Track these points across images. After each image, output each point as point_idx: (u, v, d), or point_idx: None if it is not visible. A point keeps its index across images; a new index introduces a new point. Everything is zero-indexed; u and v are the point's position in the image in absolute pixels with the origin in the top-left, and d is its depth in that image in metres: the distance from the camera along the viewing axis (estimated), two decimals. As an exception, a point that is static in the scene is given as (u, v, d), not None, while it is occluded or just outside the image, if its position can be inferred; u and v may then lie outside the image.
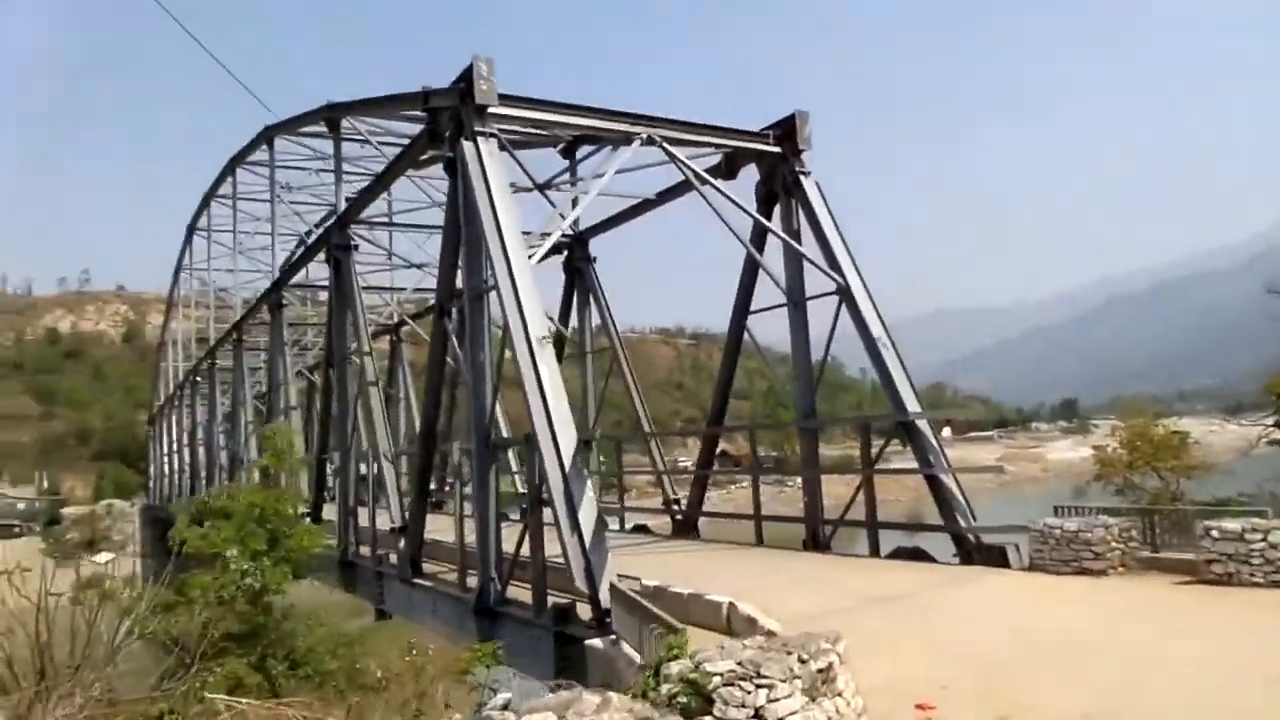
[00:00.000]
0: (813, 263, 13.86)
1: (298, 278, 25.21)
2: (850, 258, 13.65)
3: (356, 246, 18.89)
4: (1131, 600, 8.80)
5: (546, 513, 9.96)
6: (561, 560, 9.57)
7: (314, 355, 38.46)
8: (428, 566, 14.18)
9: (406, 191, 23.09)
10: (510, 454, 16.82)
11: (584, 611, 9.26)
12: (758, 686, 4.34)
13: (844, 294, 13.47)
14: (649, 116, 13.49)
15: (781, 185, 14.42)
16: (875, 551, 12.65)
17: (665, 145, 13.40)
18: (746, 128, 14.48)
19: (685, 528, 16.50)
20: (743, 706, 4.28)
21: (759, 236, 14.76)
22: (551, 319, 20.19)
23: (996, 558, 11.18)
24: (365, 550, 16.74)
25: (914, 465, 12.74)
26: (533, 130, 15.28)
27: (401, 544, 14.55)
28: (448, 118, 12.51)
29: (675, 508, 17.47)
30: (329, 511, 19.90)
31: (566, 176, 17.55)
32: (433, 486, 22.66)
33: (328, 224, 21.10)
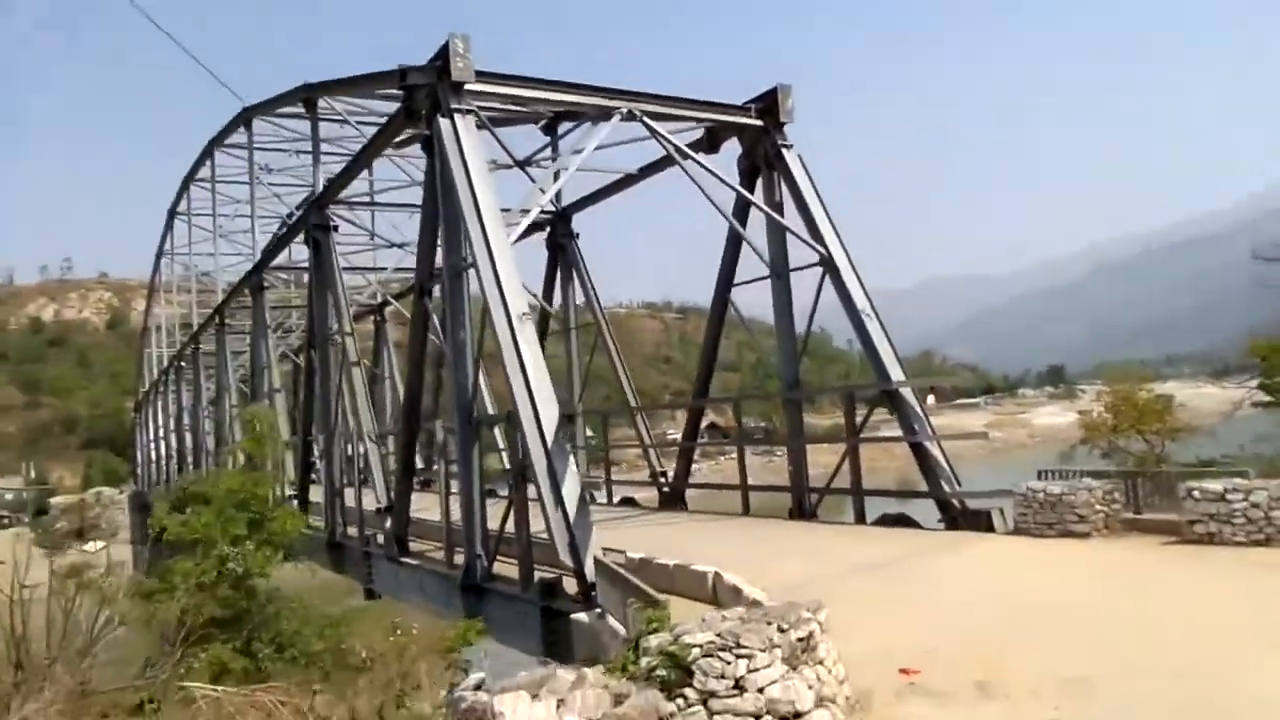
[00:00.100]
0: (795, 234, 13.81)
1: (280, 260, 24.95)
2: (833, 229, 13.60)
3: (336, 227, 18.67)
4: (1115, 562, 8.87)
5: (532, 488, 9.95)
6: (547, 535, 9.58)
7: (298, 337, 38.18)
8: (415, 545, 14.18)
9: (389, 171, 22.91)
10: (497, 430, 16.80)
11: (570, 586, 9.28)
12: (737, 657, 4.34)
13: (827, 265, 13.43)
14: (629, 91, 13.35)
15: (763, 158, 14.33)
16: (861, 519, 12.73)
17: (646, 120, 13.27)
18: (729, 101, 14.36)
19: (672, 500, 16.56)
20: (722, 677, 4.28)
21: (742, 210, 14.69)
22: (535, 296, 20.17)
23: (981, 523, 11.26)
24: (353, 531, 16.73)
25: (900, 434, 12.78)
26: (512, 107, 15.08)
27: (388, 524, 14.53)
28: (424, 95, 12.32)
29: (662, 480, 17.51)
30: (315, 493, 19.86)
31: (548, 153, 17.39)
32: (420, 465, 22.72)
33: (307, 205, 20.87)
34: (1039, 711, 4.93)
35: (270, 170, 27.95)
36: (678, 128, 14.10)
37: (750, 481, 15.12)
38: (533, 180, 15.40)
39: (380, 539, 15.03)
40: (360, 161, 16.87)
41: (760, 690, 4.27)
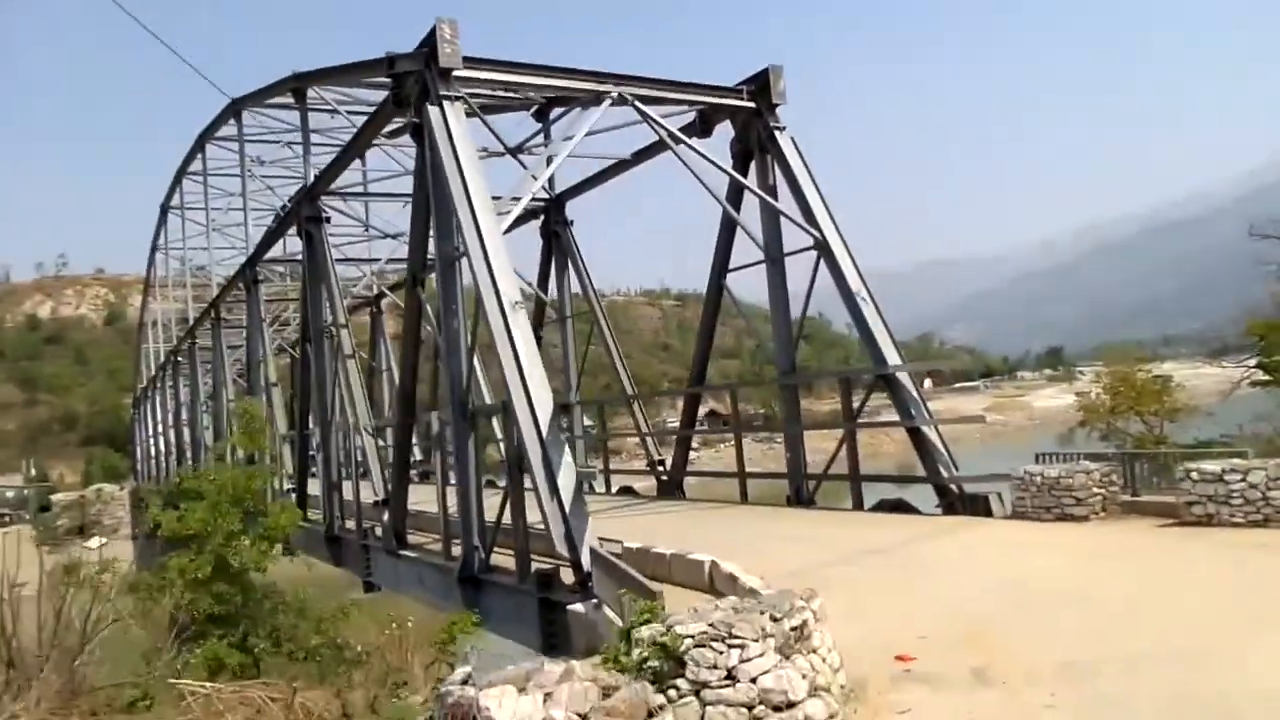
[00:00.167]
0: (789, 218, 13.71)
1: (275, 252, 24.80)
2: (827, 212, 13.49)
3: (328, 218, 18.55)
4: (1112, 545, 8.83)
5: (529, 479, 9.89)
6: (543, 526, 9.53)
7: (295, 330, 38.08)
8: (414, 538, 14.14)
9: (384, 162, 22.75)
10: (495, 421, 16.73)
11: (567, 576, 9.23)
12: (730, 647, 4.28)
13: (822, 249, 13.34)
14: (619, 75, 13.21)
15: (756, 141, 14.21)
16: (859, 505, 12.69)
17: (637, 104, 13.15)
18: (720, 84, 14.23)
19: (670, 488, 16.53)
20: (714, 668, 4.22)
21: (735, 194, 14.57)
22: (529, 284, 20.08)
23: (979, 507, 11.23)
24: (351, 524, 16.70)
25: (897, 418, 12.72)
26: (503, 93, 14.96)
27: (385, 516, 14.50)
28: (413, 83, 12.19)
29: (660, 469, 17.47)
30: (314, 487, 19.82)
31: (540, 140, 17.25)
32: (419, 457, 22.67)
33: (298, 197, 20.72)
34: (1035, 697, 4.88)
35: (262, 162, 27.75)
36: (669, 111, 13.97)
37: (750, 469, 15.09)
38: (525, 167, 15.27)
39: (378, 532, 15.01)
40: (350, 151, 16.74)
41: (753, 680, 4.22)
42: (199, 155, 30.78)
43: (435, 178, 11.51)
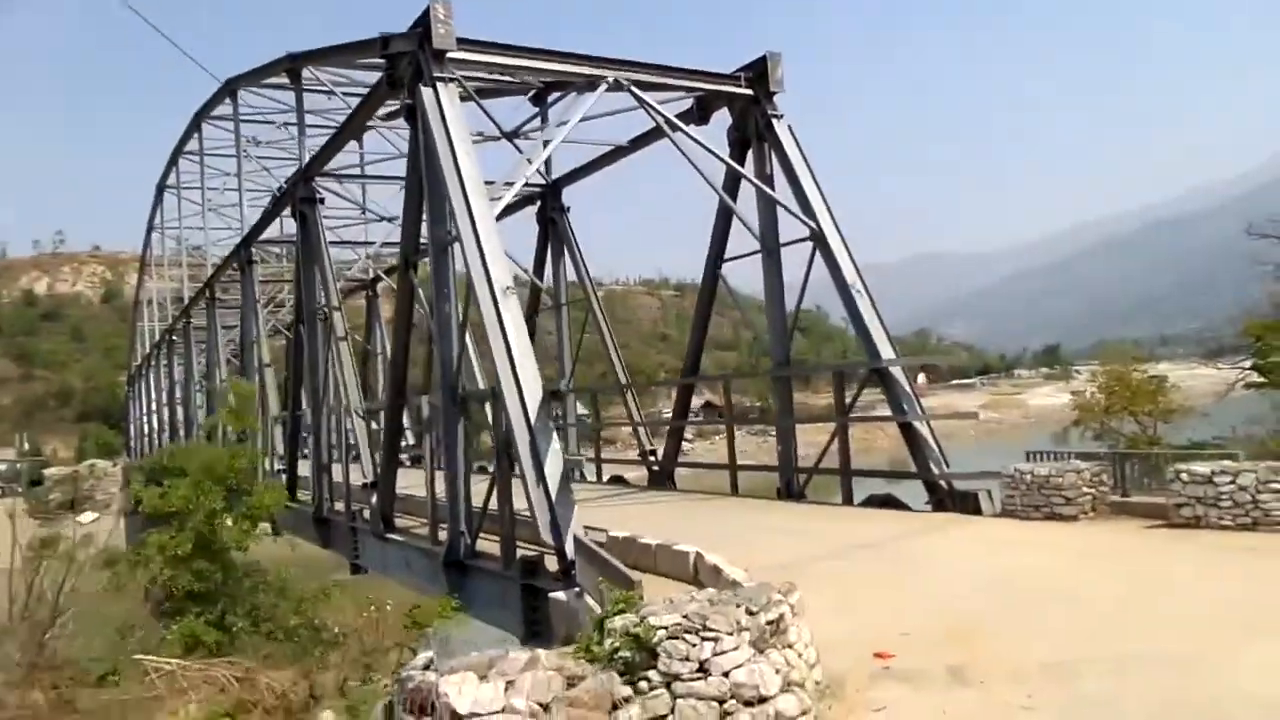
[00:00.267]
0: (785, 208, 13.60)
1: (272, 233, 24.63)
2: (824, 202, 13.38)
3: (323, 200, 18.39)
4: (1100, 545, 8.78)
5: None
6: (529, 513, 9.47)
7: (290, 311, 37.97)
8: (402, 521, 14.09)
9: (379, 144, 22.57)
10: (487, 406, 16.65)
11: (552, 564, 9.18)
12: (704, 639, 4.23)
13: (817, 239, 13.23)
14: (615, 60, 13.07)
15: (754, 130, 14.08)
16: (848, 500, 12.63)
17: (634, 90, 13.01)
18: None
19: (661, 479, 16.45)
20: (687, 660, 4.17)
21: (732, 183, 14.46)
22: (525, 270, 19.97)
23: (969, 504, 11.17)
24: (339, 506, 16.64)
25: (890, 413, 12.64)
26: (499, 77, 14.81)
27: (374, 499, 14.44)
28: (406, 64, 12.05)
29: (652, 459, 17.40)
30: (305, 468, 19.76)
31: (536, 124, 17.09)
32: (411, 442, 22.60)
33: (293, 178, 20.58)
34: (1012, 697, 4.83)
35: (258, 143, 27.59)
36: (666, 98, 13.83)
37: (745, 461, 15.03)
38: (520, 152, 15.12)
39: (367, 514, 14.96)
40: (345, 133, 16.58)
41: (725, 674, 4.16)
42: (195, 135, 30.58)
43: (428, 161, 11.39)
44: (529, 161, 12.76)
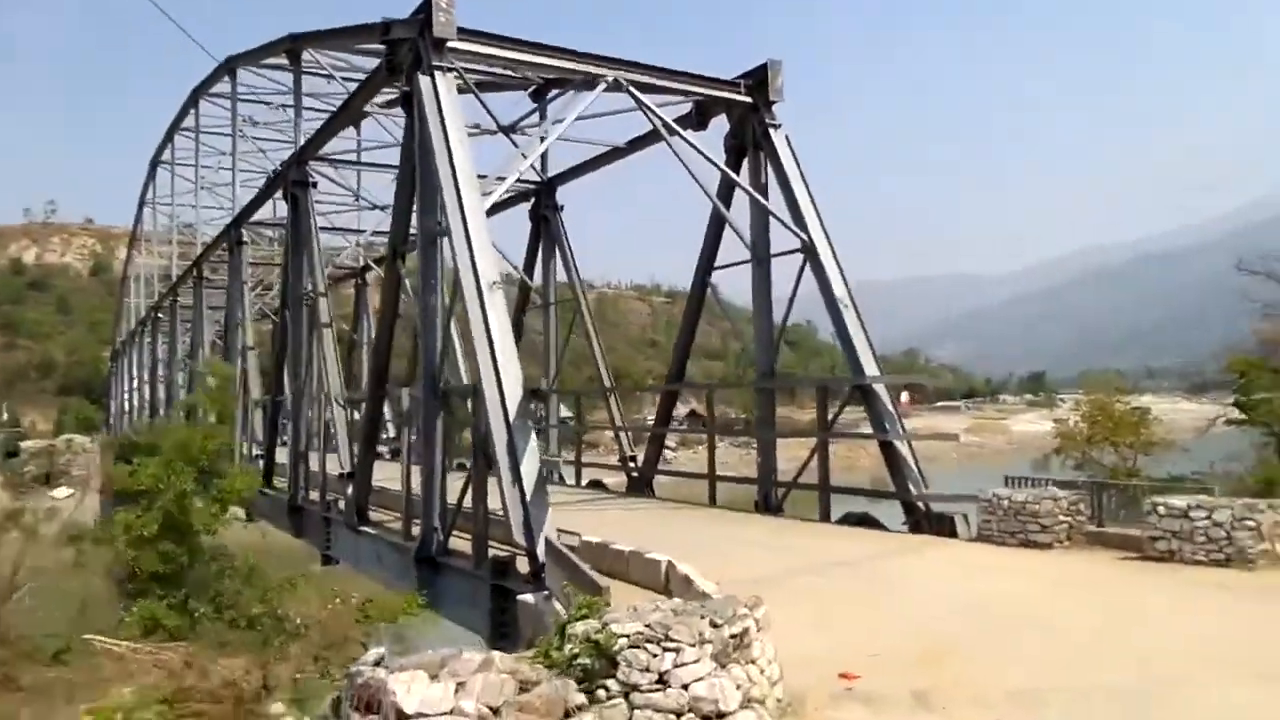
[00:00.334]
0: (778, 218, 13.55)
1: (266, 215, 24.45)
2: (816, 215, 13.34)
3: (315, 184, 18.26)
4: (1073, 575, 8.74)
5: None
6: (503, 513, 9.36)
7: (278, 295, 37.70)
8: (377, 515, 13.94)
9: (378, 133, 22.43)
10: (469, 402, 16.52)
11: (523, 565, 9.08)
12: (665, 650, 4.14)
13: (808, 252, 13.19)
14: (616, 59, 13.00)
15: (751, 138, 14.03)
16: (826, 516, 12.56)
17: (633, 91, 12.94)
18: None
19: (640, 485, 16.36)
20: (647, 670, 4.08)
21: (726, 190, 14.40)
22: (515, 268, 19.85)
23: (945, 527, 11.13)
24: (315, 496, 16.48)
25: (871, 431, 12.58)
26: (500, 71, 14.72)
27: (350, 490, 14.30)
28: (406, 50, 11.96)
29: (632, 464, 17.30)
30: (283, 455, 19.58)
31: (534, 120, 17.00)
32: (392, 434, 22.43)
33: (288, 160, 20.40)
34: (974, 725, 4.77)
35: (255, 123, 27.41)
36: (665, 101, 13.76)
37: (728, 473, 14.95)
38: (516, 146, 15.04)
39: (342, 505, 14.81)
40: (341, 117, 16.45)
41: (685, 686, 4.08)
42: (192, 111, 30.36)
43: (421, 150, 11.29)
44: (524, 156, 12.64)
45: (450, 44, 11.34)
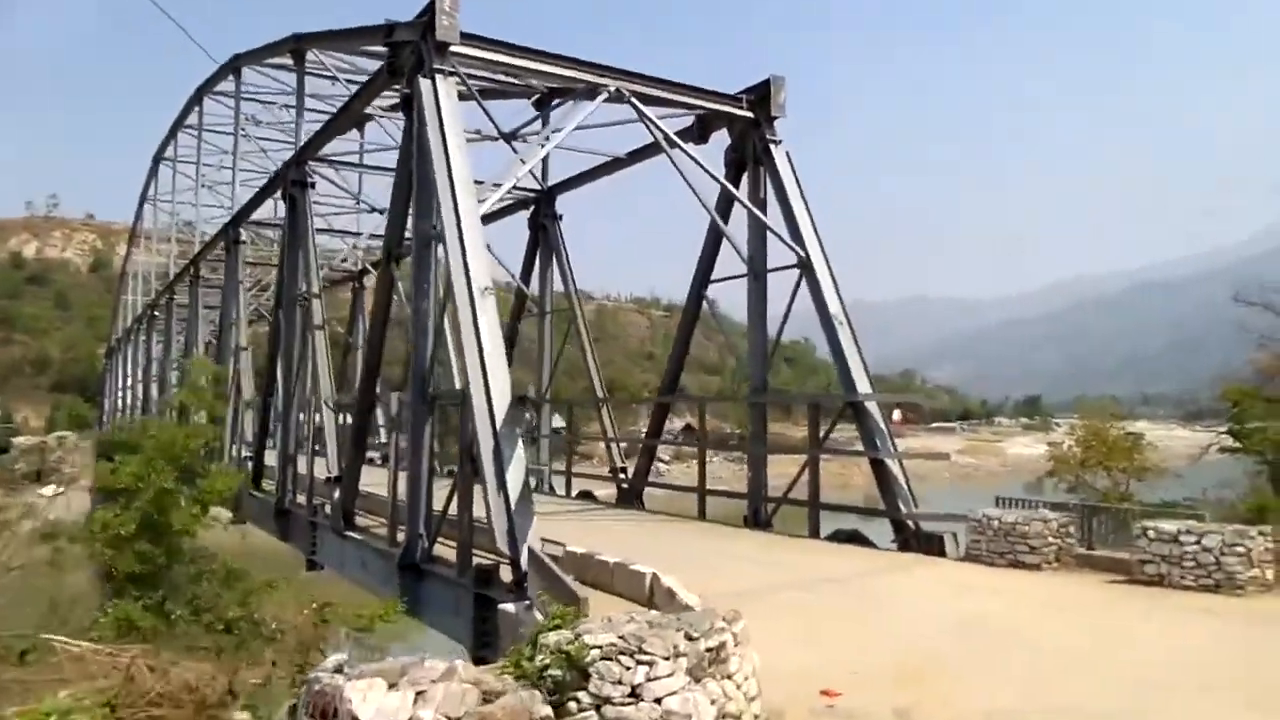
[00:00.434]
0: (775, 233, 13.52)
1: (264, 215, 24.38)
2: (814, 231, 13.32)
3: (313, 184, 18.21)
4: (1061, 597, 8.66)
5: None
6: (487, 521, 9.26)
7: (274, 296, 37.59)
8: (363, 520, 13.82)
9: (381, 136, 22.40)
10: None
11: (507, 574, 8.98)
12: (638, 663, 4.06)
13: (805, 268, 13.15)
14: (619, 69, 12.98)
15: (751, 153, 14.02)
16: (815, 533, 12.48)
17: (635, 102, 12.93)
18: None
19: (630, 497, 16.25)
20: (619, 683, 3.99)
21: (725, 204, 14.38)
22: (513, 275, 19.81)
23: (934, 546, 11.05)
24: (302, 499, 16.35)
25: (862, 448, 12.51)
26: (503, 78, 14.71)
27: (336, 494, 14.18)
28: (408, 53, 11.95)
29: (622, 476, 17.20)
30: (271, 457, 19.44)
31: (536, 127, 16.98)
32: (383, 439, 22.32)
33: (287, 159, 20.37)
34: (953, 747, 4.68)
35: (258, 123, 27.40)
36: (667, 113, 13.76)
37: (720, 487, 14.86)
38: (515, 152, 15.02)
39: (328, 510, 14.68)
40: (342, 118, 16.40)
41: (657, 700, 3.99)
42: (196, 109, 30.37)
43: (420, 152, 11.26)
44: (522, 162, 12.60)
45: (453, 48, 11.32)
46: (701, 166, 13.80)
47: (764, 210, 13.91)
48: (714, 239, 14.67)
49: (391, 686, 3.37)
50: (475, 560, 9.70)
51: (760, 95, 13.79)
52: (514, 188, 16.63)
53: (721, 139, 14.55)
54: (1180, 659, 6.53)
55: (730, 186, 14.05)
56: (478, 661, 8.14)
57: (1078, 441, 23.32)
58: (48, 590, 10.21)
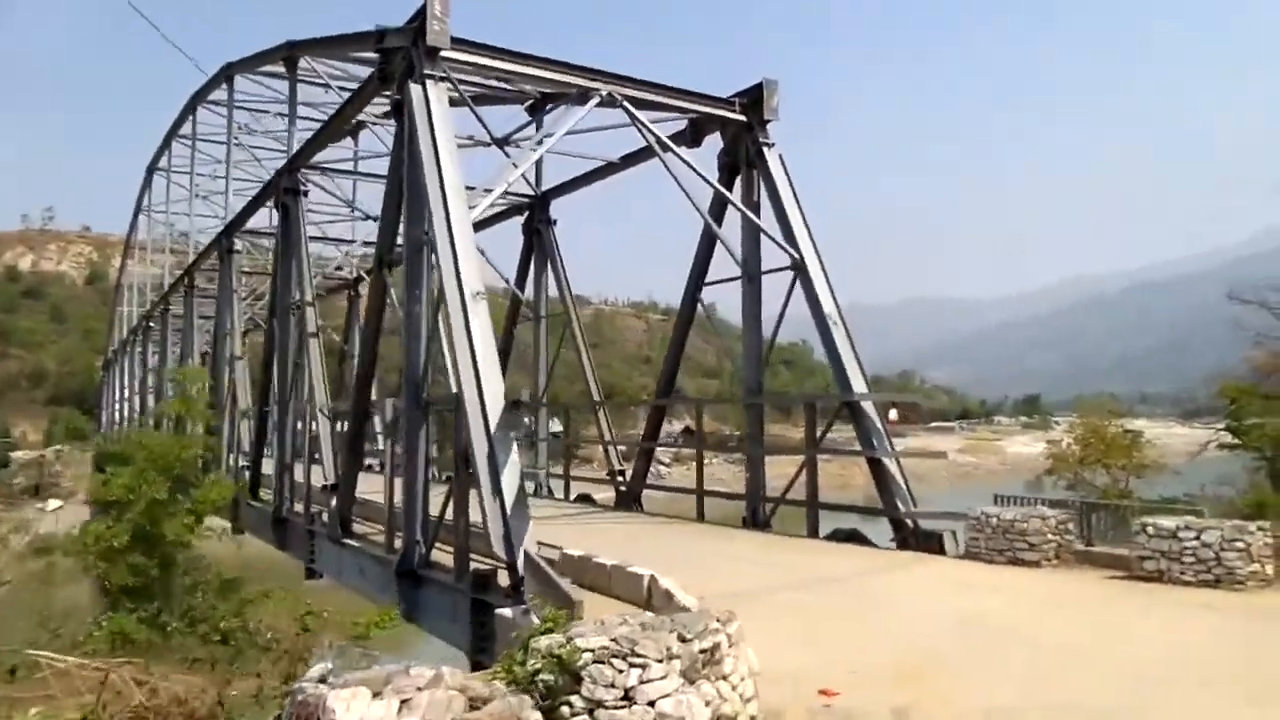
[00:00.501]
0: (769, 235, 13.50)
1: (259, 224, 24.34)
2: (808, 233, 13.30)
3: (306, 192, 18.17)
4: (1060, 593, 8.63)
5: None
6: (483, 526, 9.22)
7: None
8: (361, 527, 13.77)
9: (374, 144, 22.38)
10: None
11: (504, 579, 8.94)
12: (631, 666, 4.02)
13: (799, 269, 13.13)
14: (611, 74, 12.97)
15: (744, 156, 14.02)
16: (814, 533, 12.44)
17: (627, 106, 12.92)
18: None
19: (628, 500, 16.21)
20: (612, 687, 3.95)
21: (718, 207, 14.36)
22: (507, 281, 19.79)
23: (933, 544, 11.02)
24: (299, 507, 16.29)
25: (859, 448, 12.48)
26: (494, 82, 14.70)
27: (333, 502, 14.12)
28: (399, 59, 11.93)
29: (620, 479, 17.16)
30: (268, 466, 19.38)
31: (530, 132, 16.98)
32: (380, 446, 22.23)
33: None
34: (952, 746, 4.64)
35: (251, 131, 27.35)
36: (660, 117, 13.74)
37: (720, 489, 14.82)
38: (508, 157, 15.01)
39: (326, 518, 14.62)
40: (333, 125, 16.37)
41: (651, 703, 3.95)
42: (190, 118, 30.34)
43: (411, 158, 11.23)
44: (514, 166, 12.58)
45: (443, 53, 11.29)
46: (695, 170, 13.80)
47: (757, 213, 13.90)
48: (708, 242, 14.64)
49: (376, 695, 3.33)
50: (472, 565, 9.66)
51: (753, 99, 13.78)
52: (508, 193, 16.62)
53: (715, 142, 14.56)
54: (1180, 654, 6.49)
55: (723, 190, 14.04)
56: (476, 666, 8.11)
57: (1077, 439, 23.36)
58: (40, 605, 10.13)
